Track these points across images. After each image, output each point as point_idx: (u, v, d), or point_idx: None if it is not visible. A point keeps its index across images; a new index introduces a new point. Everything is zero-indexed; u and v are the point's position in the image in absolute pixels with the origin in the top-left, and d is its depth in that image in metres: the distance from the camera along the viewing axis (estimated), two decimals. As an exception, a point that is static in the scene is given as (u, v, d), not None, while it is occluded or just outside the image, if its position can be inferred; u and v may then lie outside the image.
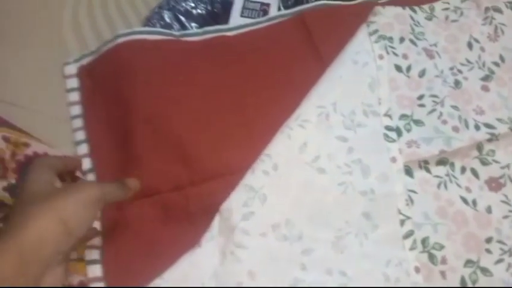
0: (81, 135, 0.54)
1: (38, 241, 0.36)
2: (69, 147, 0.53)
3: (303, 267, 0.47)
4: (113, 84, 0.54)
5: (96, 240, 0.49)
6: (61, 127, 0.55)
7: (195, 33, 0.59)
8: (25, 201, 0.38)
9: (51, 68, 0.57)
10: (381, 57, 0.55)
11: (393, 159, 0.51)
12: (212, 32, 0.59)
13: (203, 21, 0.61)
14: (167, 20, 0.60)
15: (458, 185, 0.53)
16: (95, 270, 0.47)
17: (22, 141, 0.51)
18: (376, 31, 0.57)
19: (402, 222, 0.49)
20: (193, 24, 0.61)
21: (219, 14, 0.62)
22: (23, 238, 0.35)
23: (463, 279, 0.49)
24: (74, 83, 0.56)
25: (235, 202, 0.48)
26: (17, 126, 0.52)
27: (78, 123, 0.55)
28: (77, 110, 0.55)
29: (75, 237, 0.38)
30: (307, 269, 0.47)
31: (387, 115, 0.53)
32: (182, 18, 0.61)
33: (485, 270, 0.49)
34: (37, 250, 0.36)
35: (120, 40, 0.55)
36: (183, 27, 0.60)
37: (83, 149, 0.53)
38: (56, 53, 0.58)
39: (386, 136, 0.52)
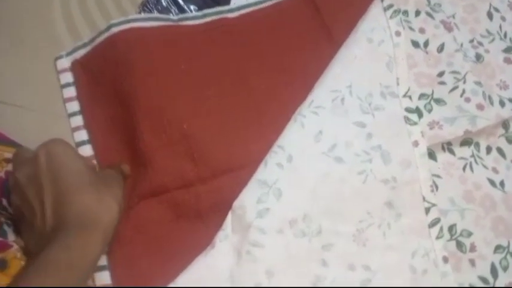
0: (82, 135, 0.51)
1: (112, 221, 0.41)
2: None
3: (323, 264, 0.45)
4: (110, 78, 0.51)
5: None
6: (57, 125, 0.51)
7: (194, 16, 0.55)
8: (80, 188, 0.41)
9: (43, 63, 0.53)
10: (397, 33, 0.52)
11: (415, 143, 0.48)
12: (212, 14, 0.55)
13: (203, 3, 0.57)
14: (164, 3, 0.56)
15: (485, 166, 0.50)
16: (103, 278, 0.45)
17: (4, 158, 0.47)
18: (391, 6, 0.53)
19: (427, 210, 0.47)
20: (192, 7, 0.57)
21: (219, -6, 0.58)
22: (104, 220, 0.41)
23: (493, 267, 0.46)
24: (68, 77, 0.53)
25: (249, 198, 0.45)
26: (5, 136, 0.48)
27: (78, 121, 0.51)
28: (74, 106, 0.52)
29: None
30: (328, 265, 0.45)
31: (407, 96, 0.50)
32: (180, 1, 0.57)
33: (516, 256, 0.47)
34: (111, 228, 0.41)
35: (115, 29, 0.52)
36: (181, 10, 0.56)
37: (87, 150, 0.50)
38: (47, 46, 0.54)
39: (407, 119, 0.49)
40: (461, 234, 0.47)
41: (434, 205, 0.47)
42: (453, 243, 0.47)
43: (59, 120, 0.52)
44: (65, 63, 0.53)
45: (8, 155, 0.47)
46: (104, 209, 0.41)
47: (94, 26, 0.55)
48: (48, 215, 0.40)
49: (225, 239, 0.44)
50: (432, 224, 0.46)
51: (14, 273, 0.41)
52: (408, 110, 0.49)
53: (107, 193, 0.42)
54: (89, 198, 0.41)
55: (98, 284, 0.44)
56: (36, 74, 0.53)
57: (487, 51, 0.54)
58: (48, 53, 0.54)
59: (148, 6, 0.56)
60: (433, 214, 0.46)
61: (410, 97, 0.50)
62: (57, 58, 0.53)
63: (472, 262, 0.46)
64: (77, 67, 0.53)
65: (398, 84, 0.50)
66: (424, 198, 0.47)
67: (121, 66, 0.50)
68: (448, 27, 0.54)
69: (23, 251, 0.43)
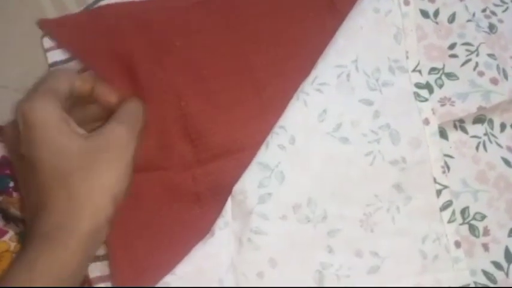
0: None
1: (96, 229, 0.33)
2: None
3: (329, 250, 0.42)
4: (103, 58, 0.47)
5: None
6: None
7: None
8: (54, 173, 0.32)
9: (29, 42, 0.50)
10: (406, 2, 0.48)
11: (426, 121, 0.45)
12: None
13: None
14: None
15: (499, 145, 0.47)
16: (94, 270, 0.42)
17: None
18: (398, -28, 0.49)
19: (439, 193, 0.44)
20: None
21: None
22: (82, 226, 0.32)
23: (507, 251, 0.44)
24: (56, 56, 0.50)
25: (249, 183, 0.42)
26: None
27: None
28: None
29: None
30: (334, 251, 0.42)
31: (416, 70, 0.46)
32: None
33: (531, 239, 0.44)
34: (96, 236, 0.33)
35: (104, 3, 0.48)
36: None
37: None
38: (33, 24, 0.51)
39: (417, 95, 0.46)
40: (474, 218, 0.45)
41: (446, 187, 0.44)
42: (465, 227, 0.44)
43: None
44: (51, 41, 0.50)
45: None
46: (85, 208, 0.32)
47: (81, 0, 0.52)
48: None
49: (225, 227, 0.42)
50: (444, 207, 0.44)
51: (5, 267, 0.39)
52: (418, 85, 0.46)
53: (97, 181, 0.33)
54: (63, 196, 0.32)
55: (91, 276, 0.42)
56: (21, 53, 0.50)
57: (500, 21, 0.51)
58: (34, 31, 0.50)
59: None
60: (445, 196, 0.44)
61: (420, 71, 0.47)
62: (43, 36, 0.50)
63: (486, 246, 0.44)
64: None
65: (407, 57, 0.47)
66: (435, 180, 0.44)
67: (112, 47, 0.46)
68: (460, -5, 0.51)
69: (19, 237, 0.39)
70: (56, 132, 0.33)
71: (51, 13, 0.52)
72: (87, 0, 0.51)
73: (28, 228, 0.33)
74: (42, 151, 0.33)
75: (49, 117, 0.33)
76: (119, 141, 0.36)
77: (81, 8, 0.50)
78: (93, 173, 0.33)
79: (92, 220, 0.32)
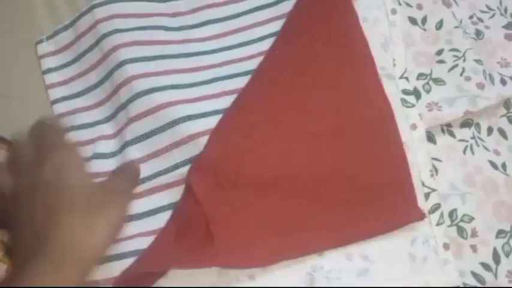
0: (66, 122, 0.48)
1: (94, 250, 0.33)
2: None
3: (319, 254, 0.43)
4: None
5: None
6: (39, 113, 0.48)
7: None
8: (69, 208, 0.33)
9: (22, 48, 0.51)
10: (393, 11, 0.49)
11: (413, 127, 0.46)
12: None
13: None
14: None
15: (486, 148, 0.48)
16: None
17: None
18: (386, -19, 0.50)
19: (427, 196, 0.45)
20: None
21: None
22: (82, 250, 0.33)
23: (495, 252, 0.45)
24: (49, 62, 0.50)
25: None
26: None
27: (61, 108, 0.49)
28: (56, 93, 0.49)
29: None
30: (324, 255, 0.43)
31: (404, 77, 0.47)
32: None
33: (518, 240, 0.45)
34: (92, 259, 0.34)
35: (98, 10, 0.49)
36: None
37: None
38: (27, 30, 0.51)
39: (404, 101, 0.47)
40: (462, 220, 0.45)
41: (434, 190, 0.45)
42: (454, 228, 0.45)
43: (41, 108, 0.49)
44: (46, 47, 0.51)
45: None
46: (86, 234, 0.33)
47: (75, 7, 0.52)
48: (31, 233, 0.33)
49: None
50: (432, 210, 0.44)
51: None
52: (405, 92, 0.47)
53: (101, 213, 0.34)
54: (72, 221, 0.32)
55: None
56: (15, 60, 0.51)
57: (487, 27, 0.52)
58: (28, 37, 0.51)
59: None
60: (433, 200, 0.45)
61: (407, 78, 0.48)
62: (37, 42, 0.51)
63: (474, 248, 0.45)
64: None
65: (394, 65, 0.48)
66: (423, 184, 0.45)
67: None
68: (447, 3, 0.52)
69: (5, 248, 0.39)
70: (82, 166, 0.36)
71: (45, 21, 0.52)
72: (79, 7, 0.51)
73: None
74: (64, 186, 0.33)
75: (75, 160, 0.36)
76: (124, 189, 0.38)
77: (75, 14, 0.51)
78: (107, 204, 0.35)
79: (91, 245, 0.33)
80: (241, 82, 0.47)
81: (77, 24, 0.51)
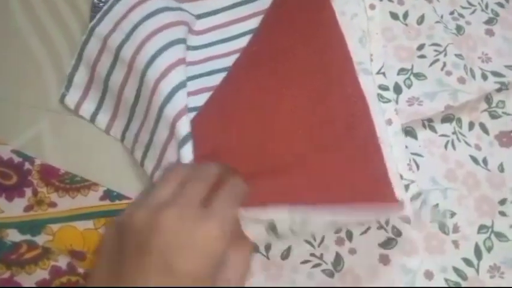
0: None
1: None
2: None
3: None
4: None
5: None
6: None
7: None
8: None
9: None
10: (372, 7, 0.49)
11: (389, 122, 0.45)
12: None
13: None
14: None
15: (467, 143, 0.47)
16: None
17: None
18: (366, -25, 0.50)
19: (407, 187, 0.44)
20: None
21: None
22: None
23: (477, 247, 0.44)
24: (89, 107, 0.49)
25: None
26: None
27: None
28: (116, 130, 0.48)
29: None
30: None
31: (380, 73, 0.47)
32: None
33: (500, 235, 0.44)
34: None
35: (99, 29, 0.47)
36: None
37: None
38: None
39: (380, 96, 0.46)
40: (443, 215, 0.45)
41: (413, 181, 0.44)
42: (435, 224, 0.44)
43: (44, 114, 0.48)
44: (73, 97, 0.48)
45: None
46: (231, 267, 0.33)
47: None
48: None
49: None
50: (413, 199, 0.44)
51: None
52: (382, 87, 0.47)
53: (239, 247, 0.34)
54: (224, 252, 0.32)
55: None
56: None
57: (468, 23, 0.52)
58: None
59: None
60: (413, 190, 0.44)
61: (384, 74, 0.47)
62: (61, 99, 0.48)
63: (456, 244, 0.44)
64: None
65: (371, 60, 0.47)
66: (401, 177, 0.44)
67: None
68: (428, -2, 0.52)
69: None
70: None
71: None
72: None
73: None
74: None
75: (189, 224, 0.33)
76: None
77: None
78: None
79: None
80: (221, 79, 0.47)
81: (85, 54, 0.48)
